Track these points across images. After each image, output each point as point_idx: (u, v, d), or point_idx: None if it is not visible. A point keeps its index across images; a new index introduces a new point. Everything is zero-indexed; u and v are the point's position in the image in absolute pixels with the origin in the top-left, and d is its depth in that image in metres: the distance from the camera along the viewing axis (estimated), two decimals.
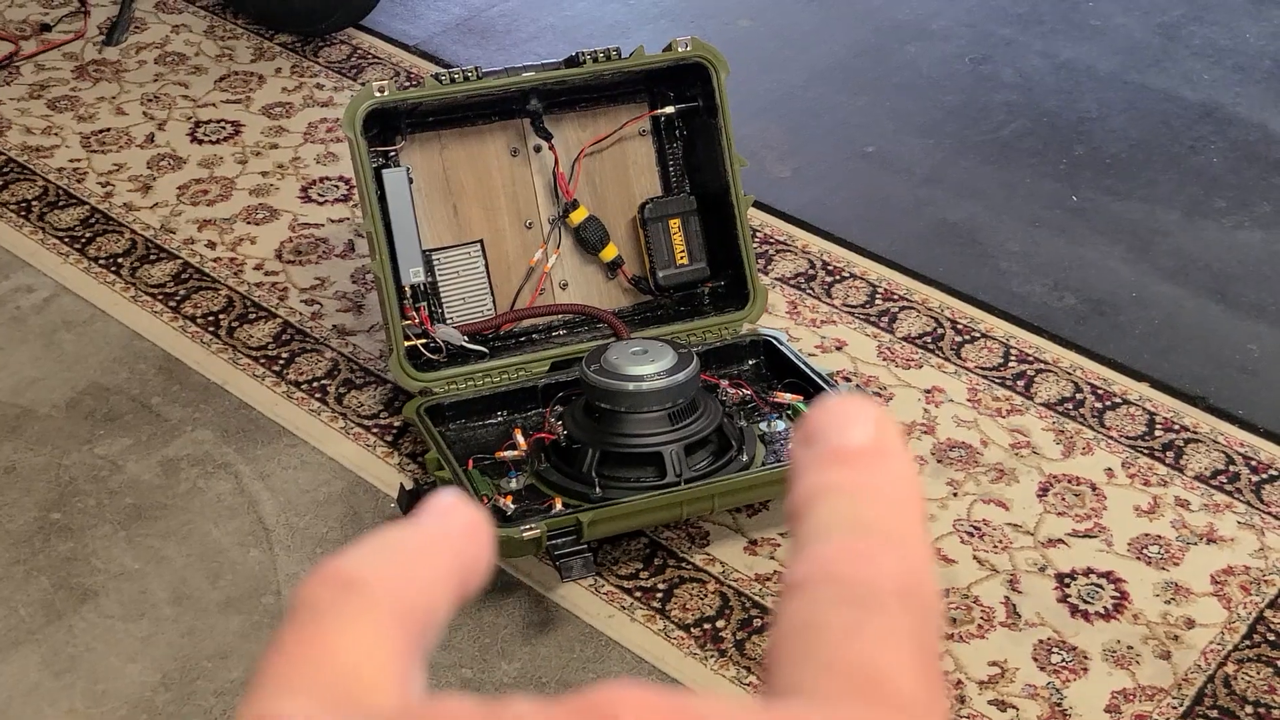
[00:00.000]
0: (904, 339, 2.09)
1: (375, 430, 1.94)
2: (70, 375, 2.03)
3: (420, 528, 0.30)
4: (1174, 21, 2.82)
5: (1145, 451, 1.91)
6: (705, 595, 1.73)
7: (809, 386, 1.88)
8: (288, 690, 0.27)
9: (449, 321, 1.95)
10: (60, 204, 2.33)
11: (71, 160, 2.43)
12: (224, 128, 2.51)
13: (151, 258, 2.23)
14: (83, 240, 2.26)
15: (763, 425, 1.86)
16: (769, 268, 2.21)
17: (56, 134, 2.49)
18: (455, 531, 0.31)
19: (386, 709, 0.27)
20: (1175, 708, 1.61)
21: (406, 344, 1.88)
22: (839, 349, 2.07)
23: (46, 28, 2.77)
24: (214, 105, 2.56)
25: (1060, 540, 1.79)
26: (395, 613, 0.28)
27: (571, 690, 0.27)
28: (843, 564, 0.28)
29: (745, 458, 1.78)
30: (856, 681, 0.27)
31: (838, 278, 2.20)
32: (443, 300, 1.96)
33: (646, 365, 1.73)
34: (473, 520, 0.31)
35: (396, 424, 1.95)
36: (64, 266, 2.21)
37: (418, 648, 0.29)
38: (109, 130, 2.50)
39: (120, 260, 2.22)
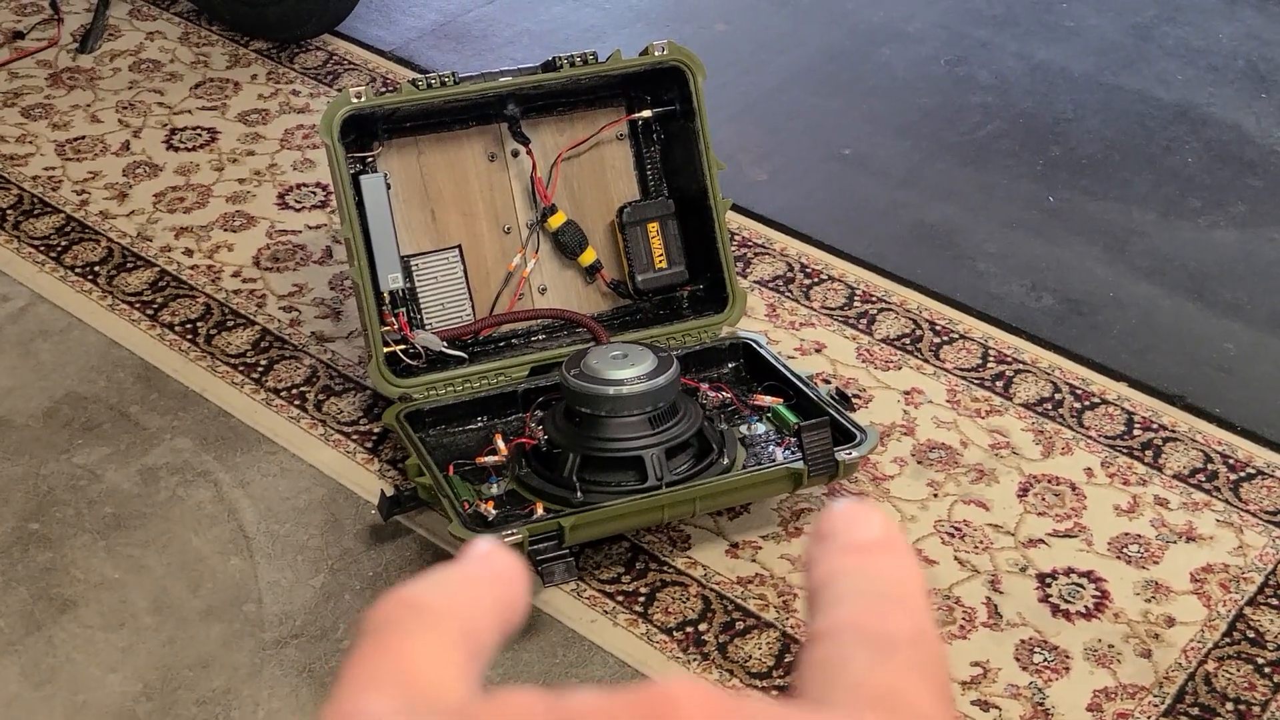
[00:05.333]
0: (883, 340, 2.09)
1: (355, 437, 1.94)
2: (47, 384, 2.02)
3: (466, 568, 0.34)
4: (1147, 22, 2.84)
5: (1124, 451, 1.92)
6: (687, 599, 1.73)
7: (789, 389, 1.88)
8: (368, 689, 0.30)
9: (428, 327, 1.94)
10: (35, 212, 2.32)
11: (46, 168, 2.42)
12: (200, 135, 2.50)
13: (128, 266, 2.22)
14: (58, 249, 2.25)
15: (743, 428, 1.86)
16: (747, 270, 2.22)
17: (31, 142, 2.48)
18: (497, 572, 0.34)
19: (455, 702, 0.30)
20: (1156, 706, 1.61)
21: (386, 350, 1.88)
22: (818, 351, 2.08)
23: (19, 35, 2.76)
24: (189, 112, 2.56)
25: (1041, 540, 1.80)
26: (456, 630, 0.32)
27: (632, 683, 0.28)
28: (862, 617, 0.32)
29: (726, 461, 1.78)
30: (883, 700, 0.31)
31: (816, 280, 2.20)
32: (421, 306, 1.95)
33: (626, 369, 1.73)
34: (511, 563, 0.35)
35: (376, 430, 1.94)
36: (40, 275, 2.20)
37: (476, 664, 0.32)
38: (84, 138, 2.49)
39: (97, 268, 2.21)
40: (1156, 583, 1.75)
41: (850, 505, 0.35)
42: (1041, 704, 1.61)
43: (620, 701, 0.29)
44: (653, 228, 2.02)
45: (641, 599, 1.73)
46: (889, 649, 0.31)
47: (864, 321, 2.13)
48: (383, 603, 0.32)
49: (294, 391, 2.01)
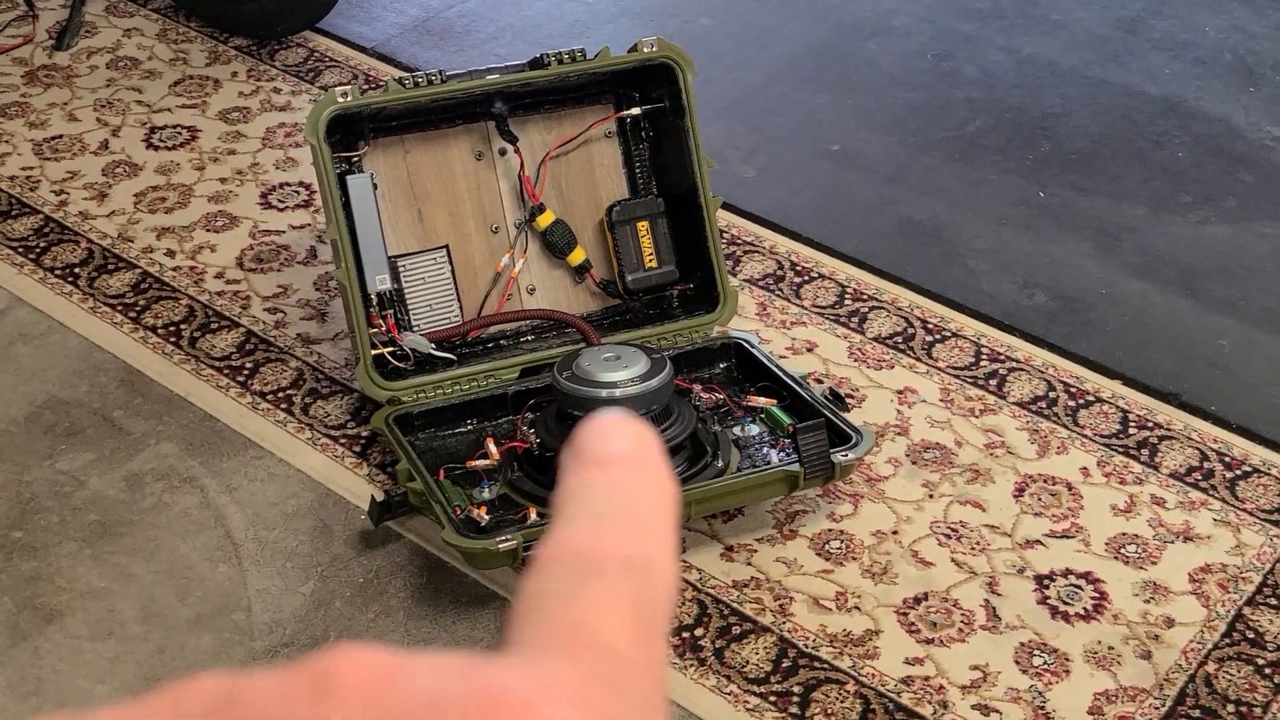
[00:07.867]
0: (875, 339, 2.07)
1: (343, 441, 1.91)
2: (28, 389, 1.99)
3: None
4: (1133, 15, 2.82)
5: (1120, 450, 1.90)
6: (683, 603, 1.71)
7: (782, 389, 1.86)
8: None
9: (416, 329, 1.92)
10: (13, 213, 2.29)
11: (24, 168, 2.38)
12: (180, 133, 2.46)
13: (109, 267, 2.18)
14: (37, 250, 2.22)
15: (737, 430, 1.84)
16: (737, 269, 2.19)
17: (7, 141, 2.44)
18: None
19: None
20: (1157, 708, 1.60)
21: (373, 352, 1.85)
22: (810, 350, 2.06)
23: None
24: (169, 110, 2.52)
25: (1038, 541, 1.78)
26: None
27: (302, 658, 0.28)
28: (577, 540, 0.30)
29: (720, 463, 1.76)
30: (569, 636, 0.28)
31: (806, 278, 2.18)
32: (409, 307, 1.93)
33: (620, 371, 1.71)
34: None
35: (365, 434, 1.92)
36: (18, 277, 2.17)
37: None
38: (61, 137, 2.45)
39: (77, 270, 2.18)
40: (1155, 583, 1.73)
41: (606, 417, 0.33)
42: (1042, 707, 1.60)
43: (282, 680, 0.27)
44: (642, 226, 2.00)
45: None
46: (593, 574, 0.29)
47: (855, 320, 2.11)
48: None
49: (280, 395, 1.98)
